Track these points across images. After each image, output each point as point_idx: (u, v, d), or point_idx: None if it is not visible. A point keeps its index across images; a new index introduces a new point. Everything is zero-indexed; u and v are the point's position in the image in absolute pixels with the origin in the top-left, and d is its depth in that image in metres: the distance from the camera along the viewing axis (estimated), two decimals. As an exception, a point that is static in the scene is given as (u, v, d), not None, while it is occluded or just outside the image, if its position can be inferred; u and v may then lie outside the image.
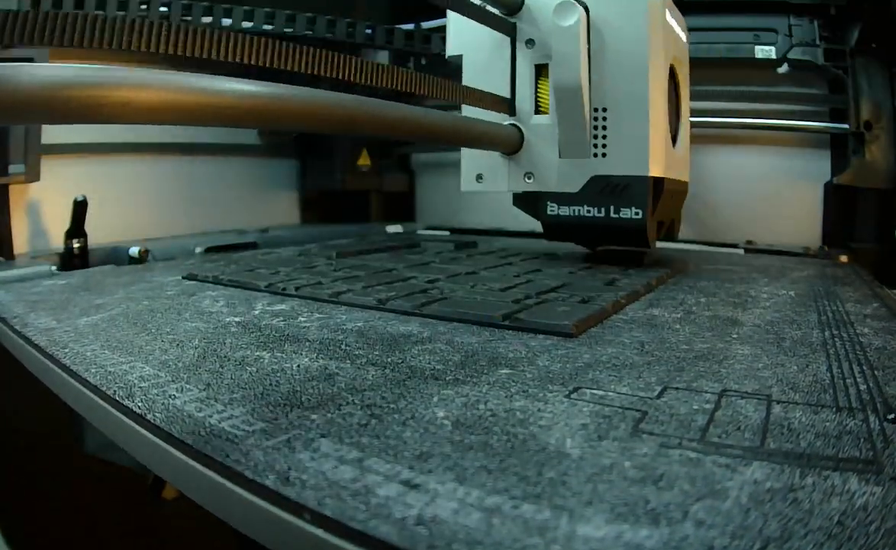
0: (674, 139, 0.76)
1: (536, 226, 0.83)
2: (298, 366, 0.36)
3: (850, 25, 1.05)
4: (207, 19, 1.08)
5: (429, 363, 0.36)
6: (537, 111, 0.72)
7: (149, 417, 0.28)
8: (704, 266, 0.82)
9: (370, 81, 0.46)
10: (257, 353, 0.39)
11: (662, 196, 0.70)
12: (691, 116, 0.86)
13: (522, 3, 0.71)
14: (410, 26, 1.34)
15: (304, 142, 1.44)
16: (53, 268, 0.84)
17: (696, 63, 0.88)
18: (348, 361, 0.37)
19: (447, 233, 0.97)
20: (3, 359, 0.51)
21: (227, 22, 1.11)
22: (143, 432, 0.28)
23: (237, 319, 0.49)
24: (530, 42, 0.72)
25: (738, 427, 0.27)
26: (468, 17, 0.65)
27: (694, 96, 0.87)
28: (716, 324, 0.47)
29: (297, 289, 0.58)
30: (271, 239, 1.14)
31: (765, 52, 1.09)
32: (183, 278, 0.70)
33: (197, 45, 0.35)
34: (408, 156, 1.55)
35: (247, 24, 1.13)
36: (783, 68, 1.08)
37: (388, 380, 0.33)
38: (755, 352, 0.40)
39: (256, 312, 0.51)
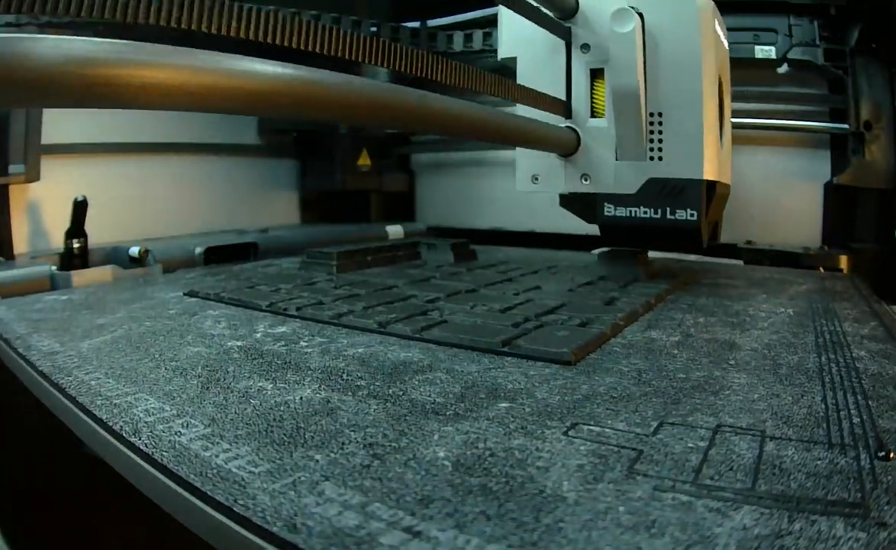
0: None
1: (536, 226, 0.85)
2: (301, 398, 0.37)
3: (850, 25, 1.07)
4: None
5: (429, 396, 0.37)
6: (593, 115, 0.75)
7: (156, 456, 0.30)
8: (703, 280, 0.84)
9: (427, 75, 0.47)
10: (260, 383, 0.40)
11: (714, 198, 0.74)
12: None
13: (577, 7, 0.73)
14: (415, 24, 1.35)
15: (304, 142, 1.46)
16: (53, 268, 0.85)
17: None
18: (350, 393, 0.38)
19: (448, 242, 0.98)
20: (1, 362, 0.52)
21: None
22: (151, 470, 0.30)
23: (239, 343, 0.50)
24: (585, 47, 0.74)
25: (731, 467, 0.29)
26: (522, 15, 0.66)
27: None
28: (713, 349, 0.48)
29: (298, 309, 0.59)
30: (271, 239, 1.15)
31: (765, 52, 1.10)
32: (184, 294, 0.71)
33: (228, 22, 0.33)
34: (408, 156, 1.57)
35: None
36: (783, 68, 1.10)
37: (389, 415, 0.34)
38: (751, 381, 0.41)
39: (258, 335, 0.52)
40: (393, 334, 0.51)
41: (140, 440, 0.31)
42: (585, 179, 0.76)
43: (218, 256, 1.05)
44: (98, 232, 0.99)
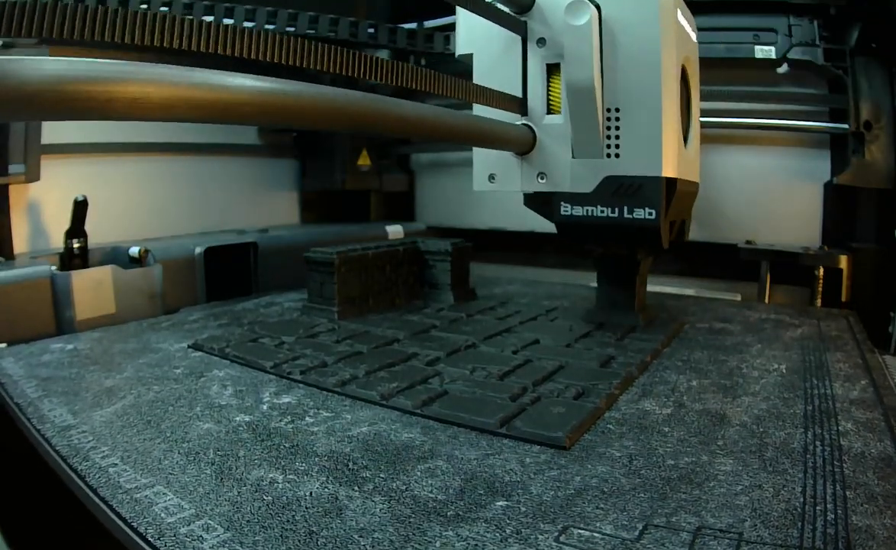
0: (684, 139, 0.80)
1: (536, 227, 0.88)
2: (311, 494, 0.41)
3: (850, 25, 1.10)
4: (208, 18, 1.12)
5: (431, 492, 0.41)
6: (549, 111, 0.76)
7: (181, 567, 0.33)
8: (699, 324, 0.87)
9: (384, 79, 0.49)
10: (270, 474, 0.44)
11: (675, 197, 0.74)
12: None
13: (533, 1, 0.74)
14: (412, 25, 1.39)
15: (305, 142, 1.50)
16: (53, 268, 0.89)
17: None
18: (356, 487, 0.42)
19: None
20: None
21: (228, 22, 1.14)
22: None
23: (247, 418, 0.54)
24: (541, 41, 0.75)
25: (707, 581, 0.32)
26: (478, 14, 0.68)
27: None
28: (703, 424, 0.52)
29: (302, 373, 0.63)
30: (271, 239, 1.20)
31: (764, 52, 1.13)
32: (189, 346, 0.75)
33: (211, 41, 0.37)
34: (408, 156, 1.62)
35: (248, 24, 1.17)
36: (783, 68, 1.13)
37: (394, 516, 0.38)
38: (736, 469, 0.45)
39: (265, 406, 0.56)
40: (395, 408, 0.55)
41: (165, 546, 0.35)
42: (542, 178, 0.77)
43: (218, 255, 1.09)
44: (98, 232, 1.03)
